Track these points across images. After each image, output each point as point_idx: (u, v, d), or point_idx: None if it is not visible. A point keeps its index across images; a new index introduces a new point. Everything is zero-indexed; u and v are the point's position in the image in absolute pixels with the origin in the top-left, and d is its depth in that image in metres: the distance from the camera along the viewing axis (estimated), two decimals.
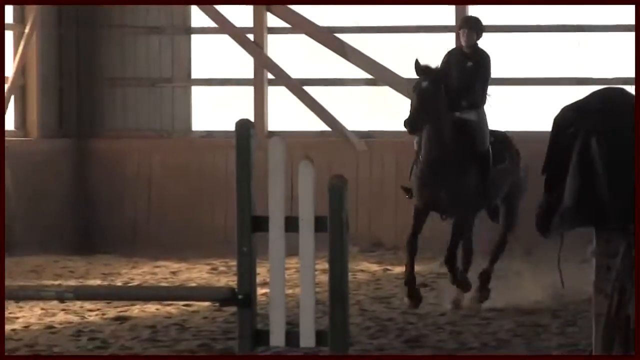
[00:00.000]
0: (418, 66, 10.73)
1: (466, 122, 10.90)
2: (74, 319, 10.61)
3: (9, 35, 17.55)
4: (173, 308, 10.67)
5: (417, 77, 10.74)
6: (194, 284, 13.19)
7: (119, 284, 12.41)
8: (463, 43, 11.15)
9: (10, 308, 11.27)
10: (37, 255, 13.86)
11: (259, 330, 5.67)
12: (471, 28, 11.13)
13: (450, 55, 11.26)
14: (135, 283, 12.57)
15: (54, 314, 11.07)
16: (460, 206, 10.89)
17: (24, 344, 9.35)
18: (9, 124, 17.01)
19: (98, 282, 12.09)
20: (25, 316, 11.24)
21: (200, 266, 15.00)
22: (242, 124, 5.67)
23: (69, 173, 17.51)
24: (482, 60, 11.02)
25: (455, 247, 10.88)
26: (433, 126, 10.43)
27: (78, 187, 17.42)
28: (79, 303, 10.77)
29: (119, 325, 10.25)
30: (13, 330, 10.22)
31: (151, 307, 10.84)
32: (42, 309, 11.36)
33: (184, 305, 10.65)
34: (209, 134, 17.96)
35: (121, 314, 10.77)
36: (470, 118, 10.91)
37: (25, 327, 10.54)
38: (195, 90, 18.59)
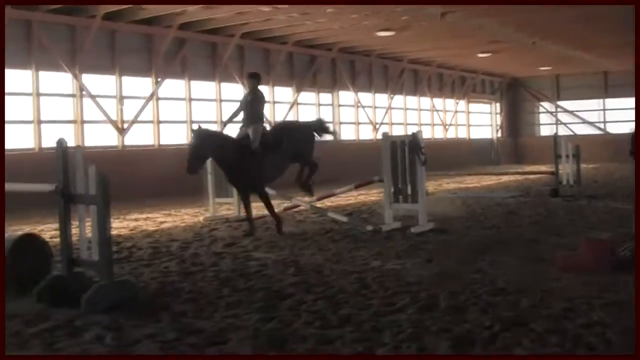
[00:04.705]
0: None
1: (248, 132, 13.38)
2: None
3: None
4: None
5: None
6: None
7: None
8: (248, 87, 14.35)
9: None
10: None
11: None
12: (251, 79, 14.13)
13: (245, 95, 14.36)
14: None
15: None
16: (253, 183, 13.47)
17: None
18: None
19: None
20: None
21: None
22: None
23: None
24: (257, 97, 13.88)
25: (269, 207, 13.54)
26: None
27: None
28: None
29: None
30: None
31: None
32: None
33: None
34: None
35: None
36: (250, 129, 13.52)
37: None
38: None
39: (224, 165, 13.30)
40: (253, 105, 13.74)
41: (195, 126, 13.24)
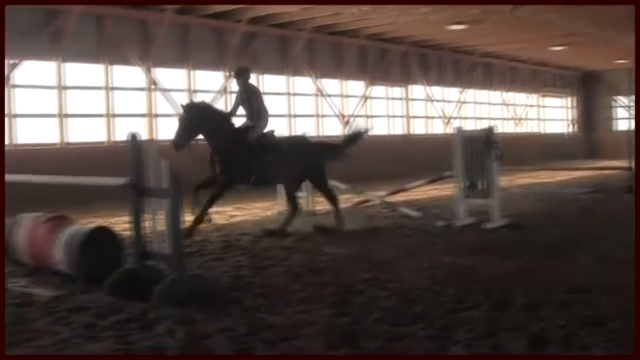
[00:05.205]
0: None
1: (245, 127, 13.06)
2: None
3: None
4: None
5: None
6: None
7: None
8: (238, 86, 13.23)
9: None
10: None
11: None
12: (239, 77, 13.13)
13: (239, 93, 13.21)
14: None
15: None
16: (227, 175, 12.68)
17: None
18: None
19: None
20: None
21: None
22: None
23: None
24: (252, 93, 13.09)
25: (214, 200, 12.73)
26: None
27: None
28: None
29: None
30: None
31: None
32: None
33: None
34: None
35: None
36: (244, 125, 13.12)
37: None
38: None
39: (214, 146, 12.60)
40: (249, 102, 13.01)
41: (185, 101, 12.93)
